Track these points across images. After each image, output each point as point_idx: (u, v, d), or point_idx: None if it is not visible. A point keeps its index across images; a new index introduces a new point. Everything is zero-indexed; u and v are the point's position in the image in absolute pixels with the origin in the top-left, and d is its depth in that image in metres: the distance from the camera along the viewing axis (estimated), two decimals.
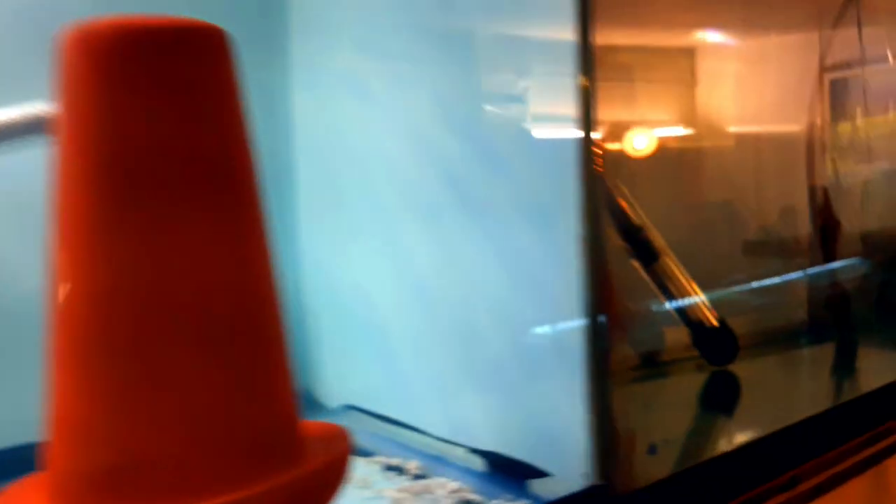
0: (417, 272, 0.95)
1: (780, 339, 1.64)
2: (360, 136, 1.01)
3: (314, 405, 1.19)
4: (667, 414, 1.22)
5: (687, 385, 1.38)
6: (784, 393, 1.33)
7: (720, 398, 1.31)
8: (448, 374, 0.93)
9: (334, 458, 0.73)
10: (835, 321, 1.65)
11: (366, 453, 1.01)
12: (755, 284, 1.60)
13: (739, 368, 1.41)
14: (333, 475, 0.73)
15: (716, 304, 1.52)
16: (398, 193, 0.96)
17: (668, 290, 1.32)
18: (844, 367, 1.54)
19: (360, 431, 1.06)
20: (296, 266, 1.18)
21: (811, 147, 1.59)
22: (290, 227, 1.16)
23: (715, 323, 1.36)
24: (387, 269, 1.00)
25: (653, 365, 1.45)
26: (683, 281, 1.32)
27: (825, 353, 1.63)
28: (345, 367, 1.13)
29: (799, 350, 1.62)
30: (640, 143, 1.51)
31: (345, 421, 1.11)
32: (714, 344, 1.36)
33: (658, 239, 1.30)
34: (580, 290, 0.72)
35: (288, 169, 1.14)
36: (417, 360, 0.97)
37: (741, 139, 1.67)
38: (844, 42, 1.70)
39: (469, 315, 0.87)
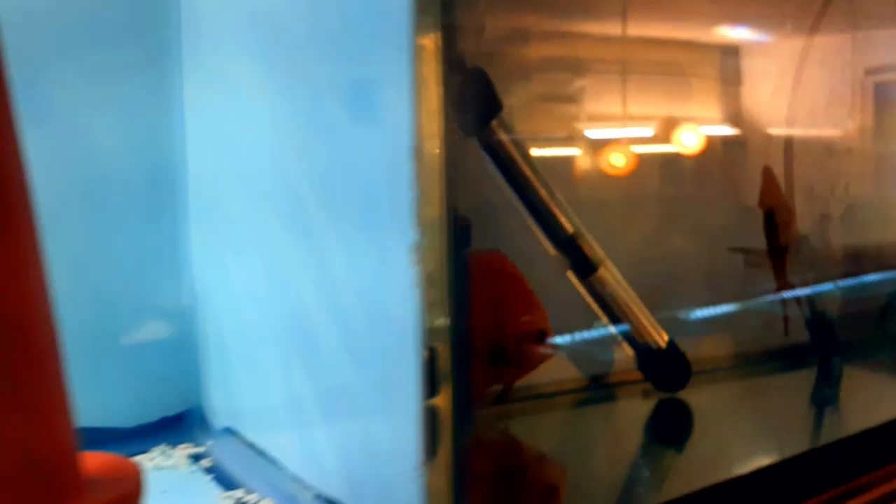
0: (278, 291, 0.84)
1: (758, 363, 1.49)
2: (238, 149, 0.92)
3: (202, 425, 1.09)
4: (597, 450, 1.07)
5: (630, 414, 1.23)
6: (742, 431, 1.16)
7: (663, 433, 1.15)
8: (301, 403, 0.80)
9: (116, 497, 0.62)
10: (817, 345, 1.48)
11: (228, 485, 0.91)
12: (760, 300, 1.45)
13: (697, 396, 1.26)
14: None
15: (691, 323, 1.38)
16: (268, 209, 0.85)
17: (608, 305, 1.17)
18: (824, 401, 1.36)
19: (232, 458, 0.95)
20: (187, 280, 1.09)
21: (789, 148, 1.43)
22: (181, 241, 1.09)
23: (662, 344, 1.21)
24: (257, 286, 0.90)
25: (599, 388, 1.31)
26: (625, 296, 1.17)
27: (804, 382, 1.47)
28: (227, 387, 1.03)
29: (775, 377, 1.45)
30: (689, 140, 1.41)
31: (221, 445, 1.01)
32: (662, 367, 1.21)
33: (596, 248, 1.15)
34: (416, 308, 0.58)
35: (180, 184, 1.08)
36: (279, 385, 0.85)
37: (777, 142, 1.50)
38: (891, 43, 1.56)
39: (319, 337, 0.75)
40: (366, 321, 0.65)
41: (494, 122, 1.10)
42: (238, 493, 0.87)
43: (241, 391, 0.97)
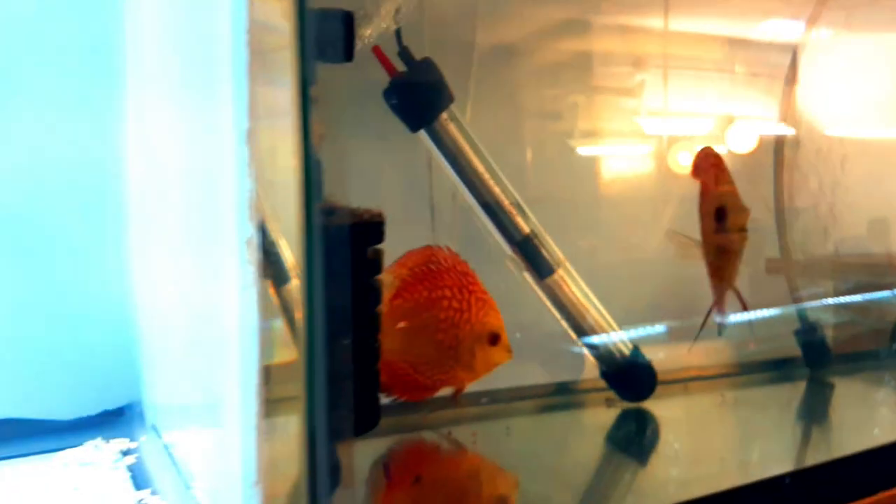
0: (159, 294, 0.80)
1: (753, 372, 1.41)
2: (148, 154, 0.90)
3: (141, 420, 1.08)
4: (554, 461, 1.01)
5: (591, 424, 1.17)
6: (709, 448, 1.08)
7: (624, 445, 1.09)
8: (181, 407, 0.77)
9: None
10: (808, 358, 1.40)
11: (142, 485, 0.88)
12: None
13: (667, 407, 1.19)
14: None
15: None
16: (158, 214, 0.82)
17: (567, 309, 1.11)
18: (812, 418, 1.27)
19: (151, 457, 0.93)
20: (128, 277, 1.07)
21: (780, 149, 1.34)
22: (121, 245, 1.09)
23: (626, 351, 1.14)
24: (154, 288, 0.86)
25: (566, 394, 1.25)
26: (587, 300, 1.11)
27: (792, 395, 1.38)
28: (151, 385, 1.00)
29: (759, 388, 1.37)
30: (740, 139, 1.37)
31: (148, 442, 0.98)
32: (624, 376, 1.15)
33: (555, 250, 1.10)
34: (251, 311, 0.53)
35: (122, 186, 1.08)
36: (172, 387, 0.82)
37: (832, 143, 1.48)
38: None
39: (178, 342, 0.72)
40: (209, 325, 0.61)
41: (445, 115, 1.05)
42: (143, 495, 0.84)
43: (157, 389, 0.94)
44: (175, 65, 0.69)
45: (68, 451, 1.00)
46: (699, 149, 0.94)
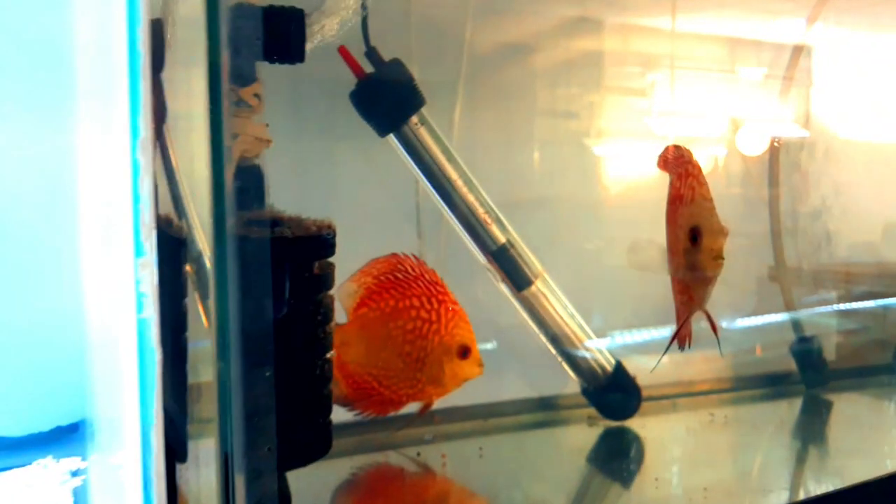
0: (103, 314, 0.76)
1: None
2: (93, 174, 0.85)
3: (92, 437, 1.02)
4: (528, 484, 0.96)
5: (570, 445, 1.11)
6: (690, 475, 1.02)
7: (596, 471, 1.03)
8: (118, 431, 0.72)
9: None
10: (804, 374, 1.33)
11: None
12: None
13: (652, 426, 1.13)
14: None
15: None
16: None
17: (545, 322, 1.06)
18: (803, 442, 1.20)
19: (95, 478, 0.88)
20: (82, 291, 1.03)
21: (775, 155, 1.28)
22: (75, 255, 1.01)
23: (608, 367, 1.08)
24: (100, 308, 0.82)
25: (547, 410, 1.19)
26: (567, 314, 1.05)
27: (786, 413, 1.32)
28: (100, 401, 0.94)
29: (751, 406, 1.31)
30: (749, 142, 1.34)
31: (96, 461, 0.93)
32: (607, 394, 1.09)
33: (533, 261, 1.04)
34: (144, 334, 0.48)
35: (74, 206, 1.00)
36: (111, 407, 0.77)
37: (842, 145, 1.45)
38: None
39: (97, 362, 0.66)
40: (114, 348, 0.56)
41: (415, 119, 0.99)
42: None
43: (101, 406, 0.89)
44: (98, 66, 0.64)
45: (14, 470, 0.95)
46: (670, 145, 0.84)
